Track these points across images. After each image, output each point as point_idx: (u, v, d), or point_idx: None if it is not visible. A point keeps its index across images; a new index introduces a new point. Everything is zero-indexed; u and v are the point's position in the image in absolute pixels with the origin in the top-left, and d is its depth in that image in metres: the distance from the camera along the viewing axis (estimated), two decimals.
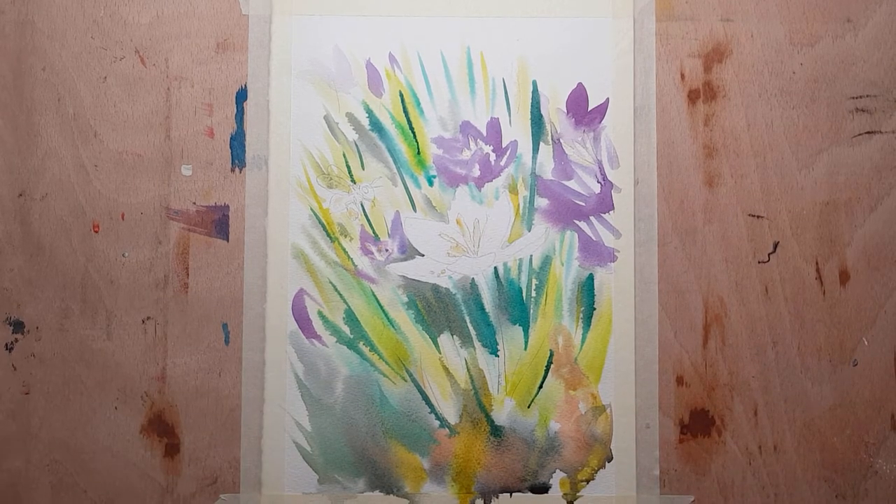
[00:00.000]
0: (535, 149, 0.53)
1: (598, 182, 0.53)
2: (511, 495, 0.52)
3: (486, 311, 0.53)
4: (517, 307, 0.53)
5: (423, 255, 0.53)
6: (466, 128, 0.53)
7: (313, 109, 0.53)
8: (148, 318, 0.53)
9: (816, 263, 0.53)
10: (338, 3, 0.54)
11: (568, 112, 0.53)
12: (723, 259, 0.53)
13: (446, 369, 0.52)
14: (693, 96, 0.53)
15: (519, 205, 0.53)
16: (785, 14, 0.53)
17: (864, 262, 0.52)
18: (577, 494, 0.52)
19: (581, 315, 0.53)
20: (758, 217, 0.53)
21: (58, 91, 0.53)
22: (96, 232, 0.53)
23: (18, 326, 0.53)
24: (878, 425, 0.52)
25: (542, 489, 0.52)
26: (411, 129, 0.53)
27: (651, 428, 0.52)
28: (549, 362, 0.52)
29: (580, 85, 0.53)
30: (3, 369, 0.53)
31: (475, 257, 0.53)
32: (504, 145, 0.53)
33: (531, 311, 0.53)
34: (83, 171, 0.53)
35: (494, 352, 0.52)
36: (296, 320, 0.53)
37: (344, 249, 0.53)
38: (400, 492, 0.52)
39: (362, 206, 0.53)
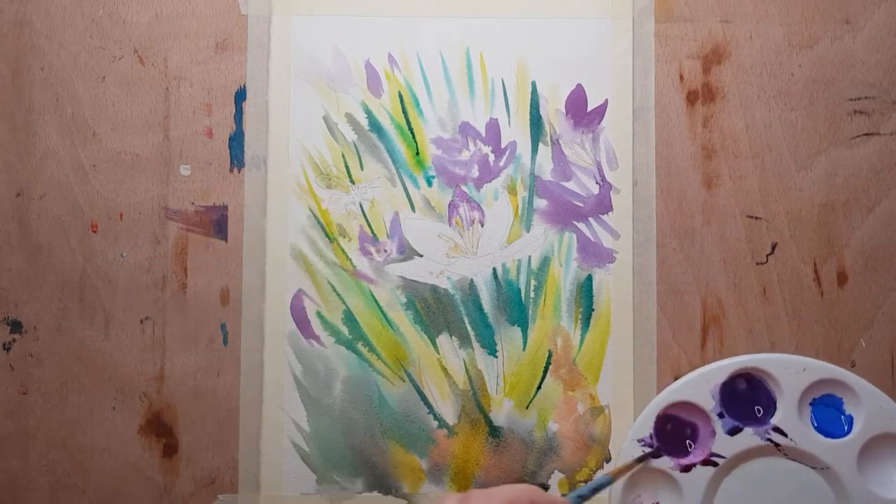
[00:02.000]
0: (534, 150, 0.53)
1: (597, 183, 0.53)
2: None
3: (485, 311, 0.53)
4: (516, 308, 0.53)
5: (421, 256, 0.53)
6: (465, 128, 0.53)
7: (312, 110, 0.53)
8: (146, 318, 0.53)
9: (814, 265, 0.53)
10: (337, 3, 0.54)
11: (567, 113, 0.53)
12: (721, 260, 0.53)
13: (445, 370, 0.52)
14: (692, 98, 0.53)
15: (518, 205, 0.53)
16: (784, 16, 0.53)
17: (862, 264, 0.53)
18: None
19: (580, 316, 0.53)
20: (756, 218, 0.53)
21: (56, 91, 0.53)
22: (94, 232, 0.53)
23: (16, 326, 0.53)
24: None
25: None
26: (410, 129, 0.53)
27: None
28: (548, 363, 0.52)
29: (579, 86, 0.53)
30: (0, 369, 0.53)
31: (474, 258, 0.53)
32: (503, 146, 0.53)
33: (530, 311, 0.53)
34: (81, 170, 0.53)
35: (493, 352, 0.52)
36: (294, 321, 0.53)
37: (343, 250, 0.53)
38: (398, 492, 0.52)
39: (361, 206, 0.53)
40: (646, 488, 0.47)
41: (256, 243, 0.53)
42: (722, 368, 0.47)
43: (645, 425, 0.47)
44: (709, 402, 0.48)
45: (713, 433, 0.47)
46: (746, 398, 0.47)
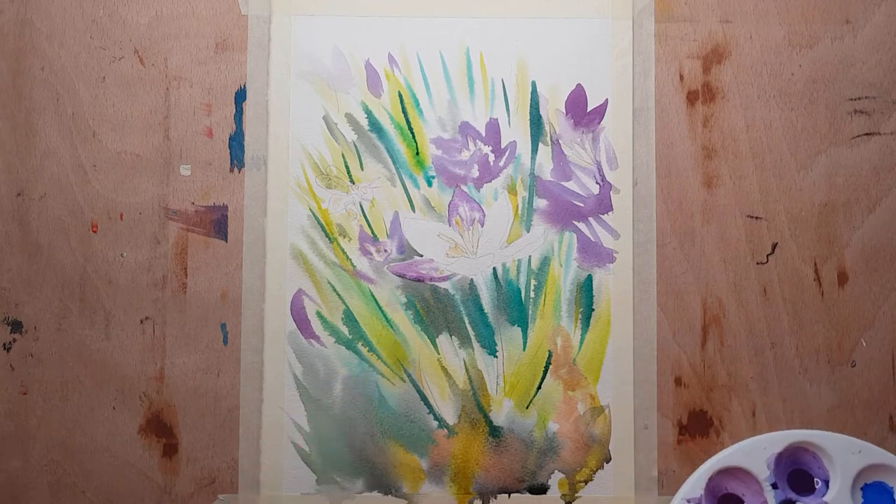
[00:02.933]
0: (534, 149, 0.53)
1: (597, 183, 0.53)
2: (509, 496, 0.52)
3: (485, 311, 0.53)
4: (516, 308, 0.53)
5: (421, 256, 0.53)
6: (465, 128, 0.53)
7: (312, 110, 0.53)
8: (146, 318, 0.53)
9: (815, 264, 0.53)
10: (337, 3, 0.54)
11: (567, 113, 0.53)
12: (721, 260, 0.53)
13: (445, 370, 0.52)
14: (692, 97, 0.53)
15: (518, 205, 0.53)
16: (784, 16, 0.53)
17: (863, 264, 0.53)
18: (576, 495, 0.52)
19: (580, 316, 0.53)
20: (756, 218, 0.53)
21: (56, 91, 0.53)
22: (95, 232, 0.53)
23: (17, 326, 0.53)
24: (877, 426, 0.52)
25: (541, 490, 0.52)
26: (410, 129, 0.53)
27: (649, 429, 0.52)
28: (548, 363, 0.52)
29: (579, 86, 0.53)
30: (1, 369, 0.53)
31: (474, 258, 0.53)
32: (503, 146, 0.53)
33: (530, 311, 0.53)
34: (82, 170, 0.53)
35: (493, 352, 0.52)
36: (294, 321, 0.53)
37: (343, 250, 0.53)
38: (398, 492, 0.52)
39: (361, 206, 0.53)
40: None
41: (256, 243, 0.53)
42: (779, 439, 0.48)
43: (696, 486, 0.48)
44: (763, 471, 0.48)
45: (764, 503, 0.47)
46: (801, 472, 0.48)
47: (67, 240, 0.53)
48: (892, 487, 0.48)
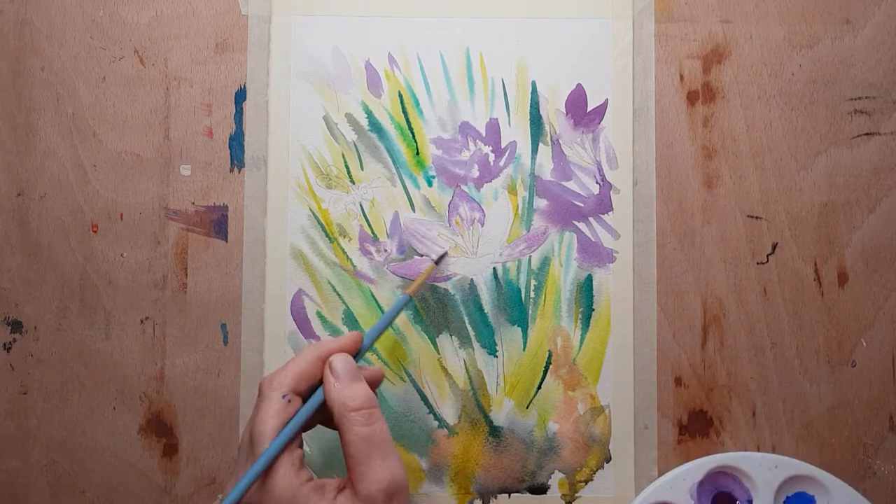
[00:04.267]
0: (534, 149, 0.53)
1: (597, 183, 0.53)
2: (509, 496, 0.52)
3: (485, 311, 0.53)
4: (516, 308, 0.53)
5: (421, 256, 0.53)
6: (465, 128, 0.53)
7: (312, 110, 0.53)
8: (146, 318, 0.53)
9: (815, 265, 0.53)
10: (337, 3, 0.54)
11: (567, 113, 0.53)
12: (721, 260, 0.53)
13: (445, 370, 0.52)
14: (692, 97, 0.53)
15: (518, 205, 0.53)
16: (784, 15, 0.53)
17: (863, 264, 0.53)
18: (576, 495, 0.52)
19: (580, 316, 0.53)
20: (756, 218, 0.53)
21: (56, 91, 0.53)
22: (95, 232, 0.53)
23: (17, 326, 0.53)
24: (877, 426, 0.52)
25: (541, 490, 0.52)
26: (410, 129, 0.53)
27: (649, 429, 0.52)
28: (548, 363, 0.52)
29: (579, 86, 0.53)
30: (1, 369, 0.53)
31: (474, 258, 0.53)
32: (503, 146, 0.53)
33: (530, 311, 0.53)
34: (82, 170, 0.53)
35: (493, 352, 0.52)
36: (294, 321, 0.53)
37: (343, 250, 0.53)
38: None
39: (361, 206, 0.53)
40: None
41: (256, 243, 0.53)
42: (698, 467, 0.48)
43: None
44: (687, 502, 0.49)
45: None
46: (724, 495, 0.49)
47: (67, 240, 0.53)
48: (813, 496, 0.49)
